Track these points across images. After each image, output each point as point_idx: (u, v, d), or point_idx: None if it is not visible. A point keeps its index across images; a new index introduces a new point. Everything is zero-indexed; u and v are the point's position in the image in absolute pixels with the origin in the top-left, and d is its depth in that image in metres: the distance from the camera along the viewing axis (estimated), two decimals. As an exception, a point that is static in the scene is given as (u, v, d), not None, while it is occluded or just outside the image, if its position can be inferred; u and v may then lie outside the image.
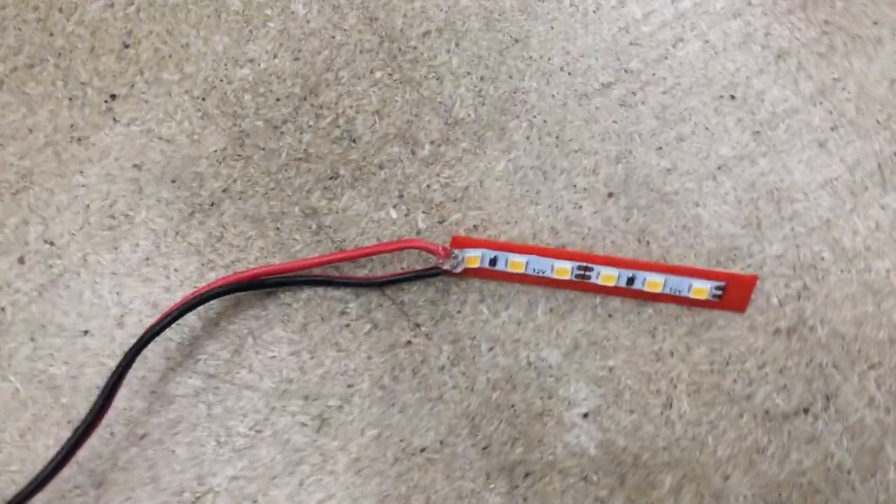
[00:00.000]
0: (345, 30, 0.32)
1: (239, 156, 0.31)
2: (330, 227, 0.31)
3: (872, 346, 0.30)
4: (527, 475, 0.29)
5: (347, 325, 0.30)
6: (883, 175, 0.31)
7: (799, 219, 0.31)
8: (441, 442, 0.30)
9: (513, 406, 0.30)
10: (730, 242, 0.31)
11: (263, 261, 0.31)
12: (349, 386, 0.30)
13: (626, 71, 0.32)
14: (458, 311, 0.30)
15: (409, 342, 0.30)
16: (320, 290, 0.30)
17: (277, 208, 0.31)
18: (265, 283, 0.29)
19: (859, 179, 0.31)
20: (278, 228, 0.31)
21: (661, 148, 0.32)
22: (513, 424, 0.30)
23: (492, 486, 0.29)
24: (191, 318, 0.30)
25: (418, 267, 0.30)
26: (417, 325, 0.30)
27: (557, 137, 0.32)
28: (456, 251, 0.29)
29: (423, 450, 0.30)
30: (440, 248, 0.28)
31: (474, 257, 0.29)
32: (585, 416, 0.30)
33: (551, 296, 0.31)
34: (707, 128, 0.32)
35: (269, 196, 0.31)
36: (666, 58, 0.32)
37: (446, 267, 0.29)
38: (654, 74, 0.32)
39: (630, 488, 0.29)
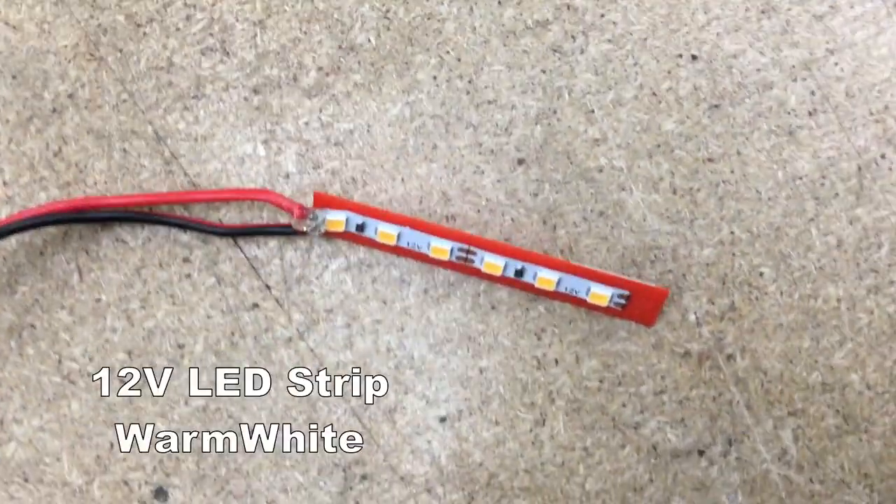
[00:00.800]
0: (234, -83, 0.29)
1: (92, 55, 0.29)
2: (184, 157, 0.29)
3: (799, 390, 0.28)
4: (364, 477, 0.28)
5: (188, 276, 0.29)
6: (862, 181, 0.28)
7: (743, 222, 0.28)
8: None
9: (361, 395, 0.28)
10: (652, 240, 0.28)
11: (103, 186, 0.29)
12: (180, 346, 0.29)
13: (568, 7, 0.28)
14: (317, 278, 0.29)
15: (255, 305, 0.29)
16: (164, 230, 0.29)
17: (127, 125, 0.29)
18: (99, 217, 0.28)
19: (830, 183, 0.28)
20: (125, 150, 0.29)
21: (592, 111, 0.28)
22: (358, 416, 0.28)
23: (322, 482, 0.28)
24: (12, 242, 0.29)
25: (280, 222, 0.28)
26: (268, 287, 0.29)
27: (470, 82, 0.29)
28: (315, 211, 0.27)
29: (251, 430, 0.28)
30: (295, 207, 0.26)
31: (337, 220, 0.27)
32: (443, 420, 0.28)
33: (428, 275, 0.28)
34: (654, 93, 0.28)
35: (119, 109, 0.29)
36: None
37: (301, 228, 0.27)
38: (602, 16, 0.28)
39: (480, 507, 0.28)
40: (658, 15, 0.28)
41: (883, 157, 0.28)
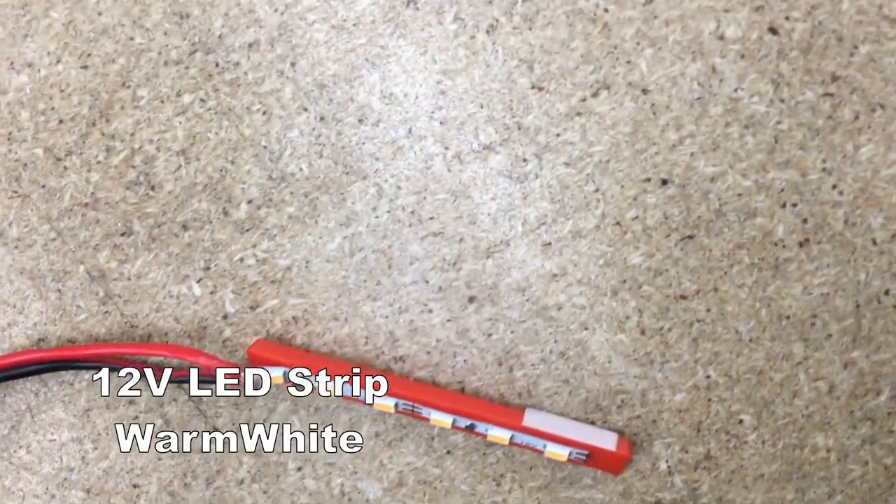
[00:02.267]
0: (147, 28, 0.31)
1: (15, 192, 0.32)
2: (119, 297, 0.32)
3: (780, 542, 0.30)
4: None
5: (136, 418, 0.33)
6: (859, 321, 0.29)
7: (720, 365, 0.30)
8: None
9: (317, 539, 0.33)
10: (618, 383, 0.30)
11: (42, 328, 0.33)
12: (135, 486, 0.33)
13: (519, 127, 0.30)
14: (265, 419, 0.32)
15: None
16: (106, 370, 0.33)
17: (59, 265, 0.33)
18: (40, 370, 0.32)
19: (822, 323, 0.29)
20: (59, 290, 0.33)
21: (549, 244, 0.30)
22: (315, 559, 0.33)
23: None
24: (-37, 385, 0.34)
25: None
26: (216, 429, 0.33)
27: (413, 213, 0.30)
28: (250, 371, 0.30)
29: (212, 571, 0.34)
30: (214, 363, 0.30)
31: (276, 377, 0.30)
32: (399, 563, 0.33)
33: (379, 418, 0.32)
34: (619, 223, 0.29)
35: (48, 249, 0.32)
36: (579, 113, 0.29)
37: (238, 392, 0.30)
38: (557, 136, 0.29)
39: None
40: (621, 133, 0.29)
41: (887, 293, 0.28)
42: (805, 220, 0.28)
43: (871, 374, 0.29)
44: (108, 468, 0.33)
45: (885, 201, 0.28)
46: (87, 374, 0.33)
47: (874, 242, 0.28)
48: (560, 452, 0.29)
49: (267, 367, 0.30)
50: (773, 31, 0.28)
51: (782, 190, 0.28)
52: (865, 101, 0.28)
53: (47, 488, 0.34)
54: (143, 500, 0.33)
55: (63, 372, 0.33)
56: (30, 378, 0.33)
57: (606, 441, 0.29)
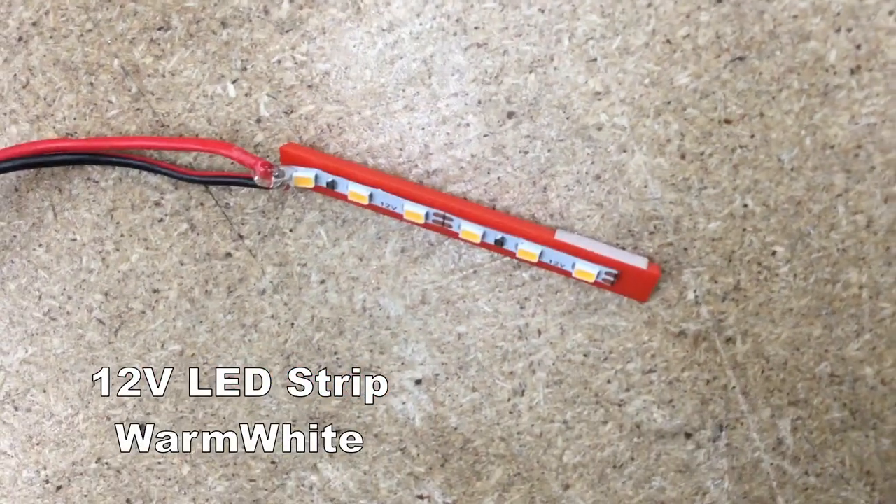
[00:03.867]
0: None
1: (53, -20, 0.33)
2: (153, 94, 0.33)
3: (803, 380, 0.31)
4: (338, 431, 0.34)
5: (160, 220, 0.34)
6: (906, 154, 0.29)
7: (759, 194, 0.30)
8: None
9: (336, 353, 0.33)
10: (653, 209, 0.31)
11: (72, 122, 0.33)
12: (155, 291, 0.34)
13: None
14: (291, 230, 0.33)
15: (228, 254, 0.33)
16: (134, 171, 0.33)
17: (93, 57, 0.33)
18: (67, 160, 0.33)
19: (867, 154, 0.29)
20: (92, 84, 0.33)
21: (595, 60, 0.30)
22: (332, 373, 0.34)
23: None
24: (-13, 178, 0.34)
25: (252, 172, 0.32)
26: (241, 237, 0.33)
27: (458, 21, 0.31)
28: (283, 168, 0.31)
29: (227, 376, 0.34)
30: (258, 164, 0.30)
31: (305, 178, 0.31)
32: (418, 382, 0.33)
33: (407, 232, 0.32)
34: (669, 41, 0.30)
35: (84, 40, 0.33)
36: (637, -75, 0.29)
37: (265, 185, 0.31)
38: (613, -51, 0.30)
39: (451, 471, 0.33)
40: (680, -54, 0.29)
41: (935, 126, 0.29)
42: (859, 47, 0.29)
43: (911, 210, 0.29)
44: (128, 271, 0.34)
45: (943, 30, 0.28)
46: (114, 172, 0.33)
47: (927, 73, 0.28)
48: (589, 271, 0.30)
49: (299, 168, 0.30)
50: None
51: (838, 14, 0.28)
52: (931, -74, 0.28)
53: (64, 289, 0.34)
54: (161, 305, 0.34)
55: (89, 168, 0.33)
56: (55, 173, 0.33)
57: (637, 261, 0.30)
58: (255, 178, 0.30)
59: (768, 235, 0.30)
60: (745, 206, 0.30)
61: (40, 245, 0.34)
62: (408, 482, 0.33)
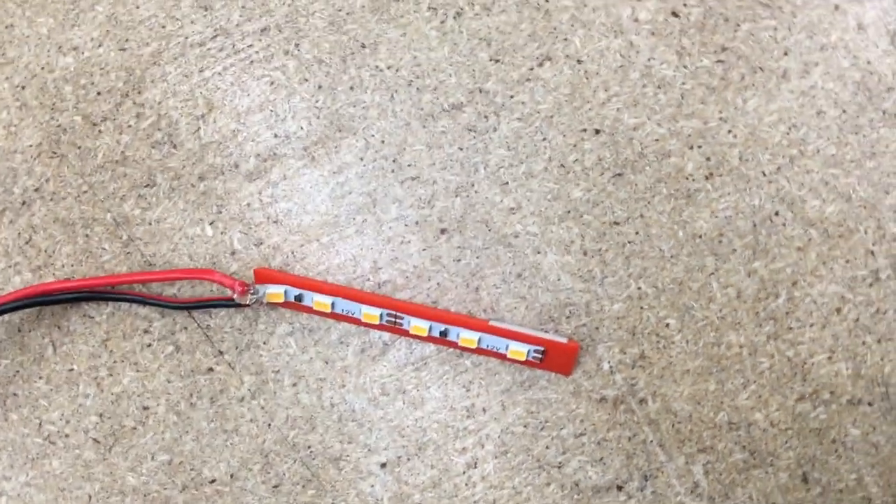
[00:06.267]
0: (176, 18, 0.41)
1: (54, 153, 0.41)
2: (141, 240, 0.41)
3: (707, 429, 0.39)
4: (314, 520, 0.40)
5: (149, 345, 0.40)
6: (757, 237, 0.39)
7: (648, 278, 0.39)
8: (231, 475, 0.40)
9: (310, 447, 0.40)
10: (566, 297, 0.39)
11: (70, 269, 0.41)
12: (145, 408, 0.40)
13: (480, 91, 0.40)
14: (265, 342, 0.40)
15: (210, 369, 0.40)
16: (125, 305, 0.41)
17: (89, 214, 0.41)
18: (63, 299, 0.40)
19: (728, 240, 0.39)
20: (87, 235, 0.41)
21: (506, 183, 0.39)
22: (307, 466, 0.40)
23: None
24: (-7, 322, 0.41)
25: (227, 296, 0.40)
26: (221, 353, 0.40)
27: (394, 161, 0.40)
28: (257, 287, 0.38)
29: (212, 481, 0.40)
30: (236, 284, 0.38)
31: (276, 293, 0.38)
32: (383, 465, 0.40)
33: (365, 336, 0.40)
34: (562, 165, 0.39)
35: (80, 200, 0.41)
36: (528, 79, 0.40)
37: (244, 302, 0.38)
38: (511, 97, 0.40)
39: (419, 546, 0.39)
40: (562, 94, 0.39)
41: (777, 214, 0.38)
42: (708, 159, 0.38)
43: (770, 280, 0.38)
44: (120, 392, 0.40)
45: (770, 141, 0.38)
46: (107, 308, 0.40)
47: (763, 174, 0.38)
48: (520, 350, 0.37)
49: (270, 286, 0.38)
50: (675, 14, 0.39)
51: (689, 135, 0.38)
52: (748, 65, 0.39)
53: (62, 414, 0.40)
54: (151, 420, 0.40)
55: (85, 306, 0.40)
56: (55, 313, 0.40)
57: (558, 338, 0.38)
58: (235, 296, 0.38)
59: (661, 311, 0.38)
60: (639, 288, 0.38)
61: (40, 377, 0.40)
62: (380, 560, 0.39)
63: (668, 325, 0.38)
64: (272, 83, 0.40)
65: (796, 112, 0.38)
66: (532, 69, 0.39)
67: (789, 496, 0.38)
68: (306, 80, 0.40)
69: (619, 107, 0.39)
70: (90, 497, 0.40)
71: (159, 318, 0.40)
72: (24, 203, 0.41)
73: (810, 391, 0.38)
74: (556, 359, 0.38)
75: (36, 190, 0.41)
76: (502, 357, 0.38)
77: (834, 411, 0.38)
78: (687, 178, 0.38)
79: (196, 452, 0.40)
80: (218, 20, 0.40)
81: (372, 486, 0.39)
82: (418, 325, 0.38)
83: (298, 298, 0.38)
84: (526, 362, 0.38)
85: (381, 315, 0.38)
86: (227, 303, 0.39)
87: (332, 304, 0.38)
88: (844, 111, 0.38)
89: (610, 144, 0.39)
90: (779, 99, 0.38)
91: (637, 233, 0.38)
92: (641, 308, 0.38)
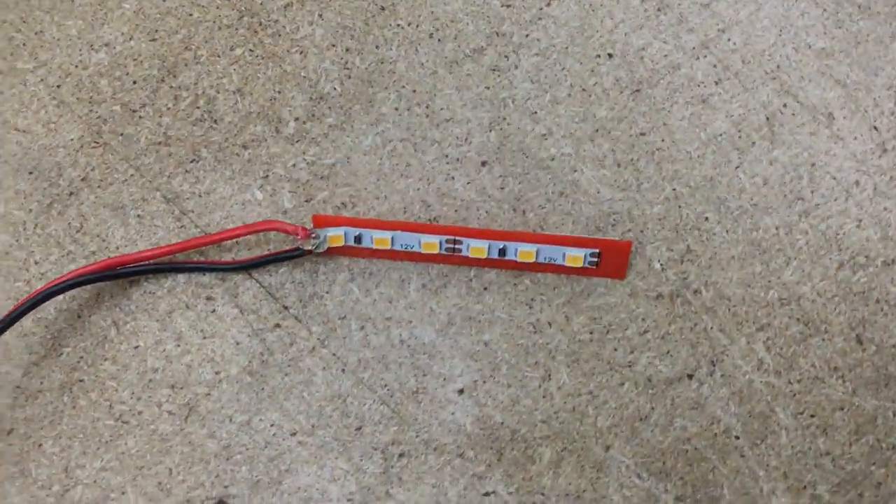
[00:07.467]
0: (202, 6, 0.44)
1: (97, 143, 0.43)
2: (193, 212, 0.43)
3: (760, 308, 0.42)
4: (401, 455, 0.41)
5: (213, 311, 0.42)
6: (772, 128, 0.43)
7: (681, 179, 0.42)
8: (313, 425, 0.41)
9: (386, 385, 0.41)
10: (608, 207, 0.42)
11: (125, 249, 0.42)
12: (216, 373, 0.41)
13: (497, 34, 0.44)
14: (328, 292, 0.42)
15: (277, 325, 0.42)
16: (184, 276, 0.42)
17: (138, 195, 0.43)
18: (123, 273, 0.41)
19: (745, 134, 0.43)
20: (139, 216, 0.42)
21: (535, 113, 0.43)
22: (386, 404, 0.41)
23: (365, 466, 0.40)
24: (51, 311, 0.42)
25: (287, 248, 0.42)
26: (285, 308, 0.42)
27: (427, 107, 0.43)
28: (317, 231, 0.41)
29: (293, 433, 0.41)
30: (298, 229, 0.40)
31: (337, 236, 0.41)
32: (461, 392, 0.41)
33: (423, 271, 0.42)
34: (584, 89, 0.43)
35: (128, 183, 0.43)
36: (540, 18, 0.44)
37: (308, 247, 0.40)
38: (527, 36, 0.44)
39: (508, 463, 0.41)
40: (573, 27, 0.44)
41: (784, 106, 0.43)
42: (714, 66, 0.43)
43: (790, 164, 0.42)
44: (190, 361, 0.41)
45: (765, 43, 0.43)
46: (167, 282, 0.42)
47: (766, 72, 0.43)
48: (577, 255, 0.40)
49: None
50: (660, -53, 0.44)
51: (694, 48, 0.43)
52: None
53: (133, 392, 0.41)
54: (225, 383, 0.41)
55: (145, 283, 0.42)
56: (114, 294, 0.41)
57: (611, 237, 0.41)
58: (298, 241, 0.40)
59: (697, 207, 0.42)
60: (674, 189, 0.42)
61: (106, 359, 0.41)
62: (472, 483, 0.40)
63: (706, 218, 0.42)
64: (301, 52, 0.43)
65: (782, 16, 0.43)
66: (542, 9, 0.43)
67: (848, 358, 0.41)
68: (333, 45, 0.43)
69: (627, 31, 0.43)
70: (170, 471, 0.40)
71: (220, 284, 0.42)
72: (71, 194, 0.42)
73: (847, 258, 0.41)
74: (611, 261, 0.41)
75: (83, 179, 0.42)
76: (560, 270, 0.41)
77: (872, 273, 0.41)
78: (699, 86, 0.43)
79: (274, 408, 0.41)
80: (243, 2, 0.44)
81: (452, 413, 0.40)
82: (477, 247, 0.40)
83: (357, 239, 0.40)
84: (583, 270, 0.41)
85: (440, 243, 0.40)
86: (288, 254, 0.41)
87: (392, 240, 0.40)
88: (825, 10, 0.43)
89: (623, 65, 0.43)
90: (766, 6, 0.43)
91: (663, 140, 0.42)
92: (679, 207, 0.42)
